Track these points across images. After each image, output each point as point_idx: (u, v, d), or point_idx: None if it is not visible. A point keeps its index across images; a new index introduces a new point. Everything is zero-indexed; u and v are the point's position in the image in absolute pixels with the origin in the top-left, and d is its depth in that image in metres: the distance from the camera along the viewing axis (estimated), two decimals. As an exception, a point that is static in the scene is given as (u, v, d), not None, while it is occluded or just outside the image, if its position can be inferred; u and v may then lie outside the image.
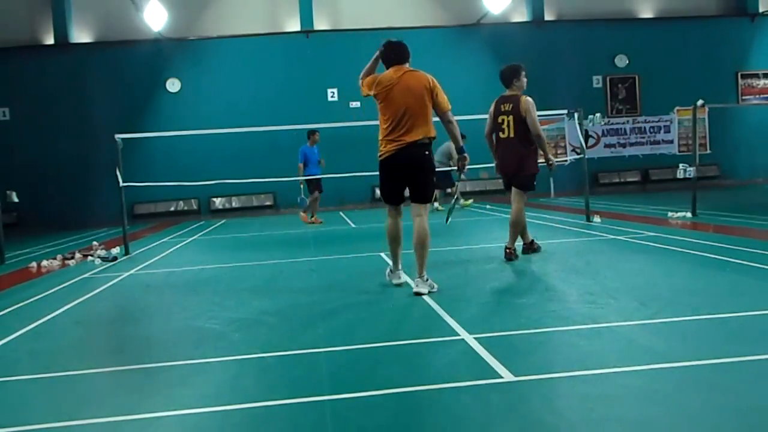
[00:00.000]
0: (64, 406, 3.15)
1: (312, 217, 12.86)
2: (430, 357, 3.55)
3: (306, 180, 12.46)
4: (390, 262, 5.75)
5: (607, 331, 3.85)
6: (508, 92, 6.60)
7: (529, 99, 6.50)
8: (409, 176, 5.21)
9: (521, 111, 6.41)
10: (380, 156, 5.28)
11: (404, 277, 5.55)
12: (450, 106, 5.29)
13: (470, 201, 15.38)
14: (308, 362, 3.57)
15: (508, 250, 6.56)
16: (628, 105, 18.81)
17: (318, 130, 12.56)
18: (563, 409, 2.74)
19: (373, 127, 14.51)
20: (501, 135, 6.54)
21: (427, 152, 5.22)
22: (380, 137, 5.29)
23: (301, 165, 12.27)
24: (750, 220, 9.17)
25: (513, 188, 6.67)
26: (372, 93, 5.30)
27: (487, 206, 14.63)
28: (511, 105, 6.47)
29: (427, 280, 5.22)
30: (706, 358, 3.20)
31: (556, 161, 6.67)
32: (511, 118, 6.44)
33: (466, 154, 5.43)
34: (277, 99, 17.15)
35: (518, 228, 6.60)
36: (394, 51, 5.31)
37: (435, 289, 5.20)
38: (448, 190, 14.54)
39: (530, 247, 6.92)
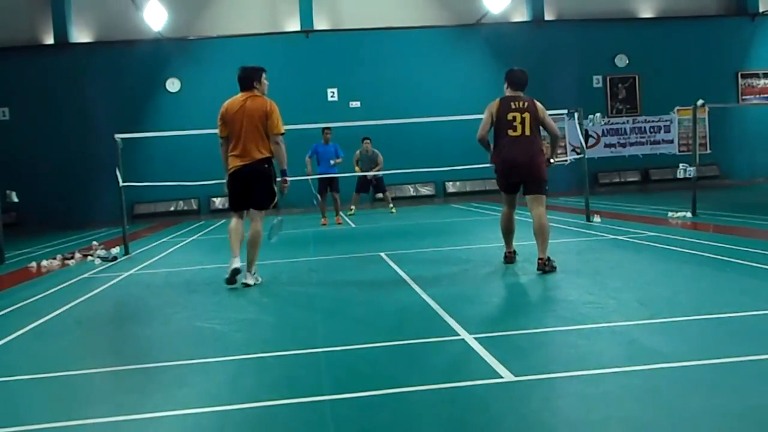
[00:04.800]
0: (64, 406, 3.14)
1: (323, 216, 12.66)
2: (430, 357, 3.55)
3: (318, 179, 12.47)
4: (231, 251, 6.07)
5: (607, 331, 3.84)
6: (512, 93, 6.18)
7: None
8: (251, 187, 6.03)
9: (538, 111, 6.05)
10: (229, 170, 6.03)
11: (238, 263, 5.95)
12: (282, 131, 6.15)
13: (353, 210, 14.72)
14: (308, 362, 3.56)
15: (540, 261, 5.82)
16: (628, 105, 18.81)
17: (329, 128, 12.53)
18: (563, 409, 2.74)
19: (373, 126, 14.58)
20: (512, 133, 5.99)
21: (267, 166, 6.06)
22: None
23: (308, 159, 12.29)
24: (750, 220, 9.16)
25: (531, 194, 6.06)
26: (223, 122, 6.08)
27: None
28: (525, 103, 6.04)
29: (254, 273, 6.03)
30: (706, 358, 3.20)
31: (557, 161, 6.38)
32: (527, 115, 5.99)
33: (287, 177, 6.17)
34: (277, 99, 16.78)
35: (546, 234, 5.90)
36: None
37: (259, 282, 6.03)
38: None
39: (511, 258, 6.39)
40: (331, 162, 12.47)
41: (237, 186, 6.03)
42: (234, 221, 6.15)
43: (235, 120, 5.97)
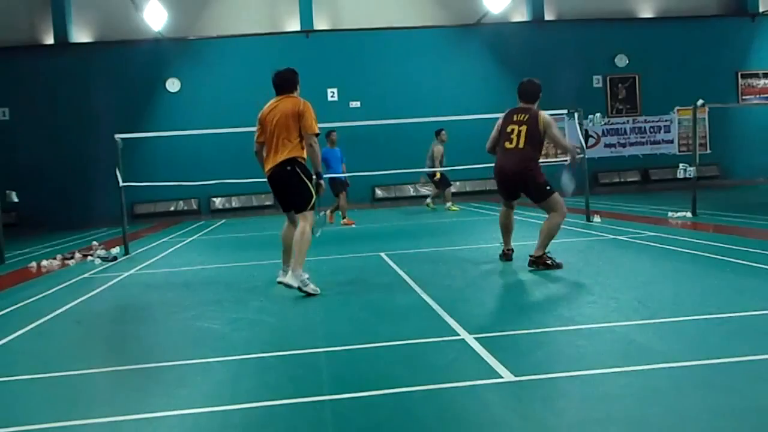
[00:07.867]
0: (64, 406, 3.15)
1: (344, 218, 12.45)
2: (430, 357, 3.55)
3: (330, 183, 12.33)
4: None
5: (607, 331, 3.85)
6: (522, 105, 6.30)
7: (548, 116, 6.22)
8: (284, 190, 5.75)
9: (539, 124, 6.09)
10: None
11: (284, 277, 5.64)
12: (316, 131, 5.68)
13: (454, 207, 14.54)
14: (308, 362, 3.57)
15: (531, 258, 6.04)
16: (628, 105, 18.80)
17: (335, 130, 12.31)
18: (563, 409, 2.74)
19: (373, 126, 14.57)
20: (507, 145, 6.14)
21: (290, 167, 5.62)
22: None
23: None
24: (750, 220, 9.17)
25: (538, 203, 6.17)
26: (260, 127, 5.83)
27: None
28: (526, 116, 6.15)
29: (299, 276, 5.47)
30: (706, 358, 3.20)
31: (557, 161, 6.60)
32: (524, 128, 6.09)
33: (321, 180, 5.75)
34: (277, 99, 17.10)
35: (546, 233, 6.06)
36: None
37: (307, 287, 5.43)
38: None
39: (508, 255, 6.59)
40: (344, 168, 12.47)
41: (273, 189, 5.90)
42: (285, 225, 5.98)
43: (267, 123, 5.73)
